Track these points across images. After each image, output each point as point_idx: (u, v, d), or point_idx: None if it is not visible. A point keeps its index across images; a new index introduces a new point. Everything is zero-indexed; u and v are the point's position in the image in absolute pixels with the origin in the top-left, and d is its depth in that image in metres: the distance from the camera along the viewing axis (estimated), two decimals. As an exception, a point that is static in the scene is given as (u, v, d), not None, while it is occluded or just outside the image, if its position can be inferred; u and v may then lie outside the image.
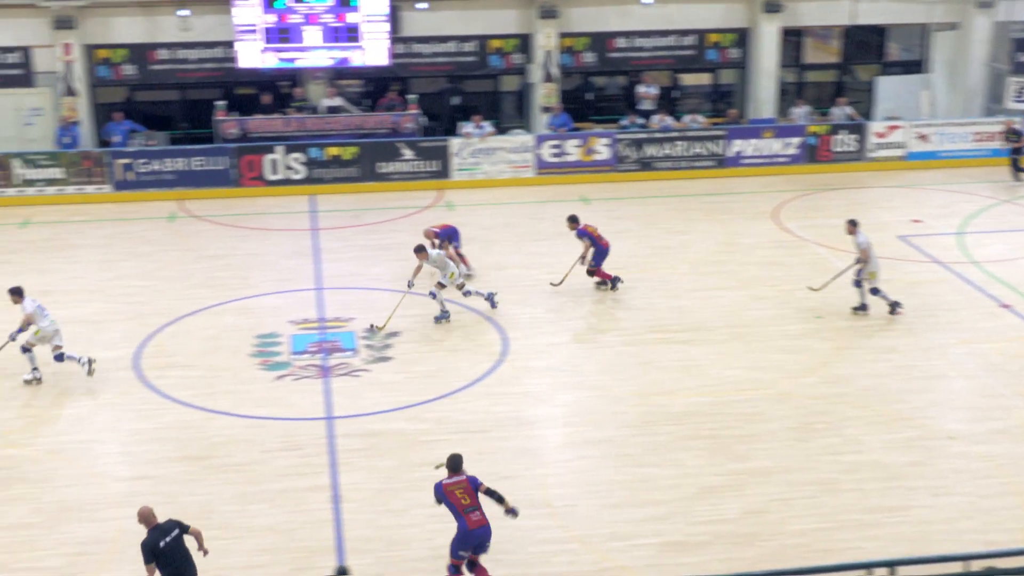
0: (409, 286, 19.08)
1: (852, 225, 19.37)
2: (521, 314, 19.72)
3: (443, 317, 19.23)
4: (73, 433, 15.83)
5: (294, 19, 27.10)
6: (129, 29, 27.69)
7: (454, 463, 12.31)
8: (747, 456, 15.03)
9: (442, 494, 12.14)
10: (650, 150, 28.06)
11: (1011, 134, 27.18)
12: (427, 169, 27.36)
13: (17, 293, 17.29)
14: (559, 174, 27.74)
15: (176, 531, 11.49)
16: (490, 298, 19.64)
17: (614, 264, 20.59)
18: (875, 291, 19.25)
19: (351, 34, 27.33)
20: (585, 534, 13.37)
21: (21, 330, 17.11)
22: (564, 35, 28.94)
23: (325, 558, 12.83)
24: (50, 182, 26.25)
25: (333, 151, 26.99)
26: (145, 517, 11.43)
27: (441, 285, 19.09)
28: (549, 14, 28.40)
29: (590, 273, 20.45)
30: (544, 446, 15.59)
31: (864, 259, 19.10)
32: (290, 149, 26.86)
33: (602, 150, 27.94)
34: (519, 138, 27.91)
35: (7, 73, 27.63)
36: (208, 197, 26.33)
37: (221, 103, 27.51)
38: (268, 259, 22.23)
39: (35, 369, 17.22)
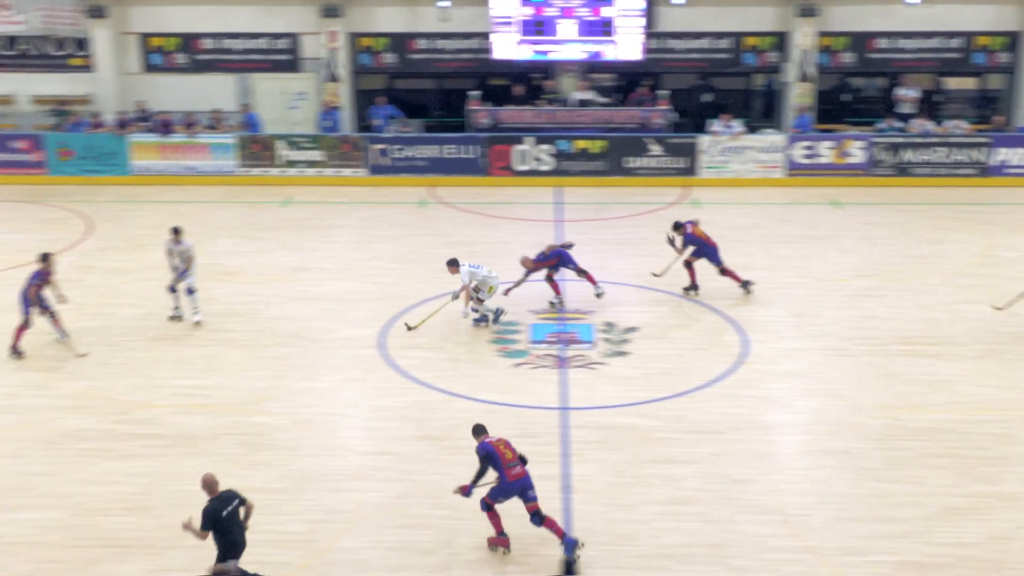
0: (454, 297, 18.89)
1: None
2: (763, 317, 19.40)
3: (482, 320, 18.97)
4: (320, 406, 16.48)
5: (550, 12, 27.43)
6: (391, 19, 28.64)
7: (477, 429, 13.07)
8: (995, 479, 14.34)
9: (491, 448, 12.75)
10: (907, 155, 27.10)
11: None
12: (674, 166, 27.21)
13: (177, 232, 19.02)
14: (810, 176, 27.12)
15: (236, 502, 11.73)
16: (497, 314, 19.19)
17: (850, 272, 19.99)
18: None
19: (605, 28, 27.47)
20: (818, 545, 13.03)
21: (185, 272, 18.99)
22: (823, 34, 28.31)
23: (552, 547, 12.93)
24: (311, 164, 27.40)
25: (581, 144, 27.17)
26: (209, 484, 11.69)
27: (479, 300, 18.84)
28: (808, 12, 27.81)
29: (723, 272, 20.18)
30: (780, 452, 15.27)
31: None
32: (539, 140, 27.20)
33: (856, 153, 27.16)
34: (770, 138, 27.43)
35: (277, 58, 29.01)
36: (457, 184, 26.95)
37: (475, 93, 28.09)
38: (512, 248, 22.50)
39: (196, 312, 19.01)
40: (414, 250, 22.71)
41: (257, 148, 27.38)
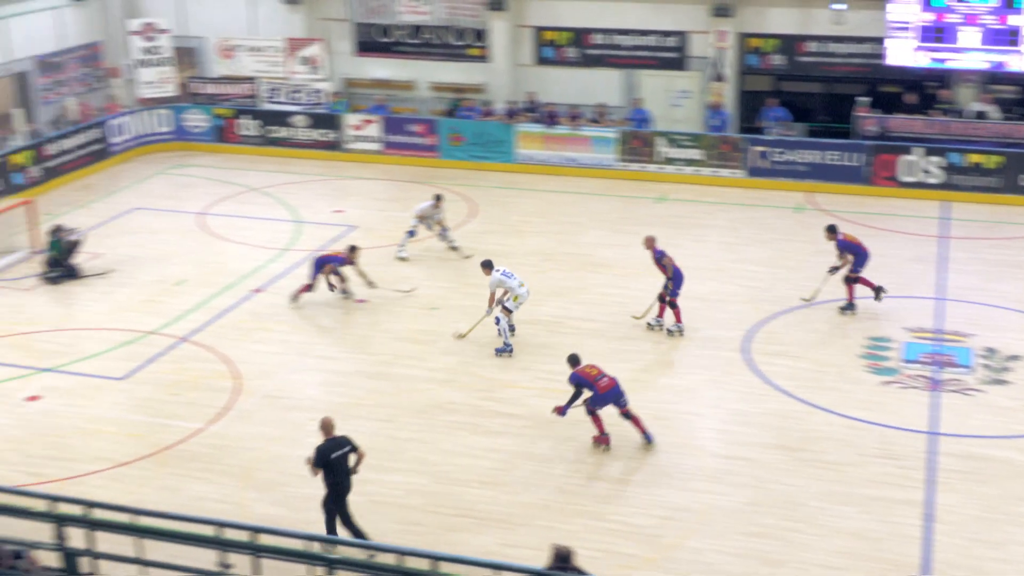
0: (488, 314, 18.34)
1: None
2: None
3: (505, 350, 17.96)
4: (678, 403, 16.50)
5: (952, 19, 26.09)
6: (782, 20, 28.15)
7: (572, 359, 15.27)
8: None
9: (580, 376, 14.96)
10: None
11: None
12: (1076, 186, 25.31)
13: (439, 199, 22.14)
14: None
15: (348, 448, 12.83)
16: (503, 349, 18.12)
17: None
18: None
19: (1012, 37, 25.83)
20: None
21: (444, 230, 22.06)
22: None
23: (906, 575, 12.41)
24: (688, 162, 27.40)
25: (975, 158, 25.70)
26: (326, 427, 12.92)
27: (507, 310, 17.91)
28: None
29: (851, 281, 19.30)
30: None
31: None
32: (929, 152, 25.96)
33: None
34: None
35: (663, 56, 29.18)
36: (837, 192, 26.14)
37: (864, 99, 27.16)
38: (889, 261, 21.63)
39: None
40: (786, 255, 22.26)
41: (637, 144, 27.66)
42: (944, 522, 13.45)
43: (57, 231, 21.32)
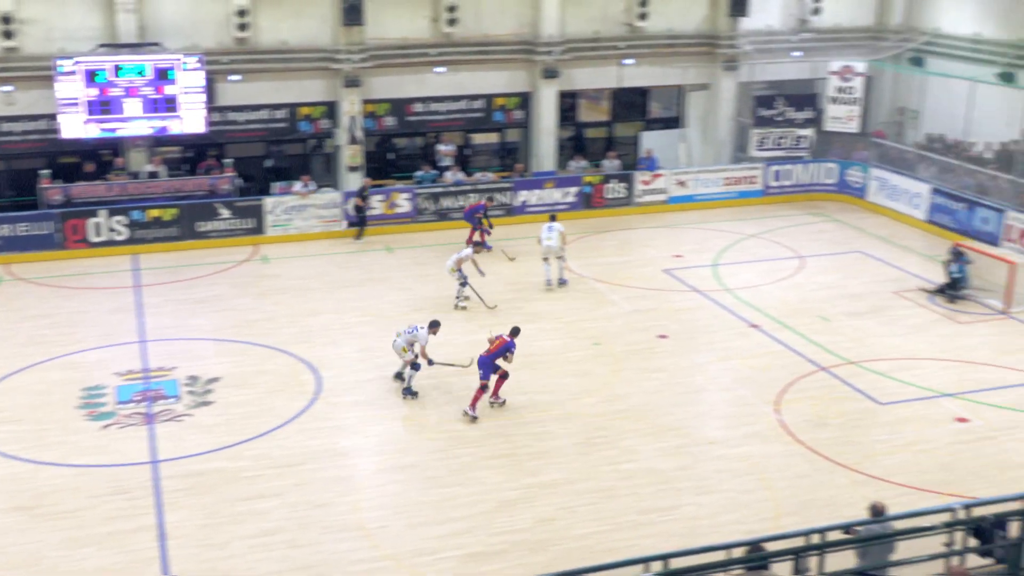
0: None
1: None
2: (333, 354, 19.46)
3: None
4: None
5: (115, 92, 26.21)
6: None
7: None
8: (538, 471, 15.17)
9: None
10: (446, 202, 28.13)
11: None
12: (243, 227, 26.75)
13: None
14: (368, 227, 27.45)
15: None
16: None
17: (408, 307, 20.39)
18: None
19: (169, 105, 26.60)
20: (395, 552, 13.27)
21: None
22: (367, 101, 28.81)
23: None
24: None
25: (154, 213, 26.14)
26: None
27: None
28: (352, 83, 28.24)
29: None
30: (356, 474, 15.40)
31: None
32: (113, 212, 25.88)
33: (403, 204, 27.89)
34: (328, 195, 27.59)
35: None
36: (33, 260, 25.03)
37: (45, 172, 26.37)
38: (92, 316, 21.31)
39: None
40: (-7, 327, 20.93)
41: None
42: (175, 537, 13.58)
43: None
